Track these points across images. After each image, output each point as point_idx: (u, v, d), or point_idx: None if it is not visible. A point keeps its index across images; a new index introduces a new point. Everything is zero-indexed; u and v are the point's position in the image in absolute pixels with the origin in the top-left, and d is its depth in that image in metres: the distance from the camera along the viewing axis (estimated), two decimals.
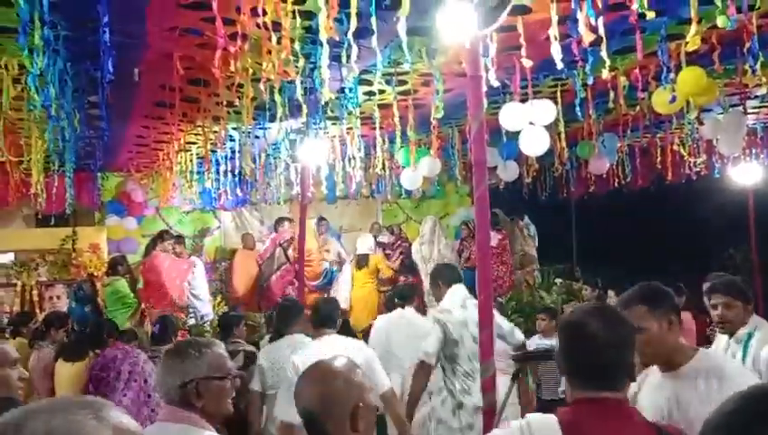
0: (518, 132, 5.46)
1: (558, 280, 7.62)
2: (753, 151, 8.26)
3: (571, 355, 1.69)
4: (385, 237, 9.63)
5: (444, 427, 3.97)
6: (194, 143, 6.97)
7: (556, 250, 9.79)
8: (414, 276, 8.87)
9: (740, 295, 3.25)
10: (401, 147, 6.13)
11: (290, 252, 8.62)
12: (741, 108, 6.08)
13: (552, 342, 4.40)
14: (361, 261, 9.01)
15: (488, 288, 3.16)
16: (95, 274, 8.42)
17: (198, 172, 7.85)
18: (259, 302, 8.65)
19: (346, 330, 5.63)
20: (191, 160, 7.30)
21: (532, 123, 5.09)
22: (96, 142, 7.03)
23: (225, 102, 5.00)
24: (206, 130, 5.72)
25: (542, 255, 9.37)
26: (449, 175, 9.18)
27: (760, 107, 6.72)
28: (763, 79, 4.39)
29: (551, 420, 1.63)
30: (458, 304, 4.17)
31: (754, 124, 7.78)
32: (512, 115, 4.95)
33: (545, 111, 4.78)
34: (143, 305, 7.59)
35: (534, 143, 4.87)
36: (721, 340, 3.39)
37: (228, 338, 5.20)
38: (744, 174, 8.32)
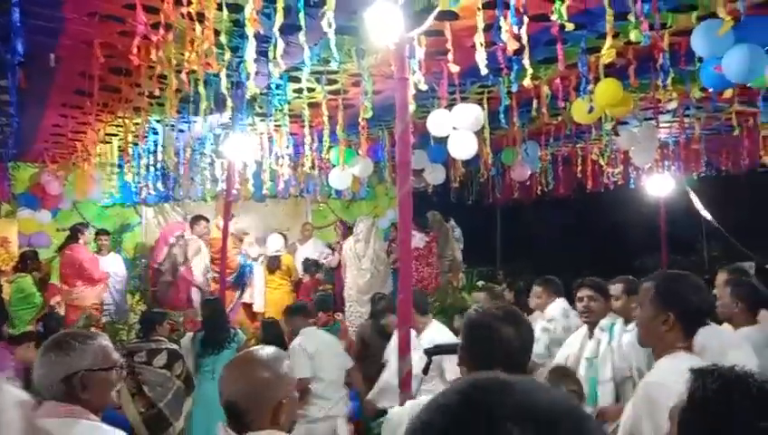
0: (446, 137, 5.56)
1: (480, 282, 7.79)
2: (666, 164, 8.70)
3: (474, 351, 1.76)
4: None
5: None
6: (114, 135, 6.72)
7: (481, 253, 10.01)
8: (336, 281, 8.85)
9: (602, 292, 3.79)
10: (330, 146, 6.11)
11: (185, 249, 8.25)
12: (654, 122, 6.42)
13: None
14: (272, 263, 8.84)
15: (408, 286, 3.20)
16: (2, 268, 7.97)
17: (119, 165, 7.58)
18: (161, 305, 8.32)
19: (275, 335, 5.57)
20: (111, 153, 7.04)
21: (456, 128, 5.17)
22: (7, 130, 6.68)
23: (147, 93, 4.84)
24: (127, 121, 5.52)
25: (467, 257, 9.56)
26: (379, 177, 9.24)
27: (672, 122, 7.09)
28: (674, 94, 4.63)
29: None
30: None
31: (667, 138, 8.20)
32: (440, 120, 5.03)
33: (473, 115, 4.88)
34: (53, 299, 7.25)
35: (462, 147, 4.97)
36: (581, 330, 3.91)
37: (150, 336, 5.05)
38: (656, 185, 8.77)
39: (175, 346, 4.76)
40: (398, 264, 3.42)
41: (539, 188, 9.21)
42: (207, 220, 8.56)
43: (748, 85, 4.47)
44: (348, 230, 9.17)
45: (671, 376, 1.98)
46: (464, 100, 5.56)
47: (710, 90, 5.17)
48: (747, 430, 1.17)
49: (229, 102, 4.20)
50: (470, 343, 1.77)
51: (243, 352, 1.72)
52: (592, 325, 3.79)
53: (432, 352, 2.21)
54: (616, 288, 3.83)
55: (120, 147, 6.97)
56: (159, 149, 6.61)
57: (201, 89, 4.09)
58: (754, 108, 5.99)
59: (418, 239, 8.31)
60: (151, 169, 6.98)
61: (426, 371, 2.12)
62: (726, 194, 8.74)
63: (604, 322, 3.77)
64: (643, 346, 2.28)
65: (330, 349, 4.92)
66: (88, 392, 1.88)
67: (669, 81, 4.49)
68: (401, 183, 3.29)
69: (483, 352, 1.73)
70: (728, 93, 4.61)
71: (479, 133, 5.61)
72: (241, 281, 8.76)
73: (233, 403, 1.60)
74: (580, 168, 8.60)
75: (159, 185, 7.44)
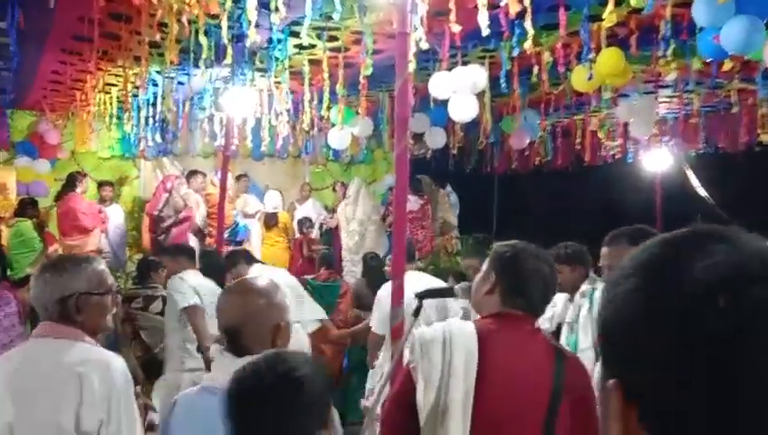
0: (447, 100, 5.56)
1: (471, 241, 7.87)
2: (664, 139, 8.71)
3: (512, 284, 1.91)
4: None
5: None
6: (114, 85, 6.69)
7: (477, 221, 10.06)
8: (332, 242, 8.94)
9: (568, 262, 3.76)
10: (329, 105, 6.10)
11: (184, 193, 8.26)
12: (654, 95, 6.42)
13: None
14: (270, 220, 8.91)
15: (402, 240, 3.25)
16: (1, 215, 8.01)
17: (118, 117, 7.56)
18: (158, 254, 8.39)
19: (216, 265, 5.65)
20: (110, 103, 7.01)
21: (456, 92, 5.18)
22: (6, 75, 6.64)
23: (147, 42, 4.82)
24: (126, 70, 5.50)
25: (463, 224, 9.62)
26: (378, 141, 9.24)
27: (672, 96, 7.09)
28: (673, 65, 4.64)
29: (469, 326, 1.86)
30: None
31: (666, 113, 8.19)
32: (441, 82, 5.03)
33: (475, 76, 4.88)
34: (51, 247, 7.30)
35: (463, 109, 4.98)
36: (560, 298, 3.88)
37: (146, 283, 5.12)
38: (654, 160, 8.81)
39: (167, 292, 4.83)
40: (393, 219, 3.46)
41: (537, 158, 9.23)
42: (204, 175, 8.59)
43: (746, 59, 4.48)
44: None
45: None
46: (465, 63, 5.55)
47: (710, 63, 5.20)
48: None
49: (230, 51, 4.19)
50: (508, 275, 1.92)
51: (238, 281, 1.79)
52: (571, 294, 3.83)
53: (424, 295, 2.27)
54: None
55: (118, 97, 6.95)
56: (159, 100, 6.59)
57: (202, 37, 4.08)
58: (754, 85, 5.99)
59: (413, 202, 8.38)
60: (150, 121, 6.96)
61: (416, 313, 2.19)
62: (723, 171, 8.77)
63: (584, 287, 3.80)
64: None
65: None
66: (82, 315, 1.94)
67: (670, 51, 4.49)
68: (398, 139, 3.32)
69: (520, 285, 1.89)
70: (727, 66, 4.61)
71: (480, 98, 5.61)
72: (234, 238, 8.82)
73: (231, 328, 1.68)
74: (578, 140, 8.62)
75: (158, 137, 7.42)
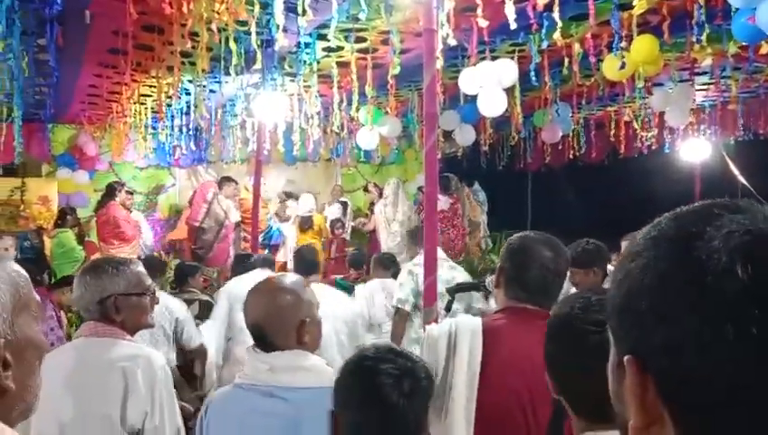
0: (476, 97, 5.53)
1: None
2: (701, 128, 8.52)
3: (512, 272, 1.86)
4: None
5: None
6: (148, 96, 6.84)
7: (512, 219, 9.98)
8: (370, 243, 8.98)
9: (580, 265, 3.49)
10: (359, 106, 6.13)
11: (224, 205, 8.35)
12: (690, 83, 6.28)
13: None
14: (305, 223, 9.01)
15: (434, 237, 3.24)
16: (44, 226, 8.25)
17: (153, 127, 7.72)
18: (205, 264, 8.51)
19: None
20: (145, 114, 7.16)
21: (482, 87, 5.15)
22: (47, 91, 6.84)
23: (179, 51, 4.92)
24: (160, 80, 5.61)
25: (498, 222, 9.55)
26: (408, 141, 9.24)
27: (708, 84, 6.92)
28: (709, 50, 4.53)
29: (476, 321, 1.83)
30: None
31: (703, 102, 8.01)
32: (471, 77, 5.01)
33: (506, 69, 4.85)
34: (92, 256, 7.48)
35: (492, 104, 4.95)
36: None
37: (183, 287, 5.21)
38: (691, 150, 8.62)
39: (207, 297, 4.91)
40: (424, 216, 3.46)
41: (571, 152, 9.11)
42: (236, 182, 8.71)
43: None
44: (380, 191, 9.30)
45: None
46: (494, 58, 5.51)
47: (747, 47, 5.07)
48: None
49: (259, 56, 4.24)
50: (509, 263, 1.87)
51: (265, 279, 1.81)
52: None
53: (454, 290, 2.26)
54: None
55: (153, 108, 7.10)
56: (192, 109, 6.71)
57: (232, 43, 4.14)
58: None
59: (443, 202, 8.35)
60: (184, 129, 7.09)
61: (448, 308, 2.18)
62: (764, 158, 8.53)
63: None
64: None
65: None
66: (121, 315, 2.01)
67: (704, 37, 4.38)
68: (427, 135, 3.32)
69: (518, 272, 1.83)
70: (765, 49, 4.48)
71: (510, 93, 5.56)
72: (268, 242, 8.92)
73: (256, 325, 1.71)
74: (613, 131, 8.48)
75: (192, 145, 7.54)
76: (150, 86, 6.43)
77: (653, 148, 8.88)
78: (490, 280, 2.16)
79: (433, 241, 3.26)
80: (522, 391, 1.71)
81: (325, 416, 1.35)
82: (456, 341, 1.78)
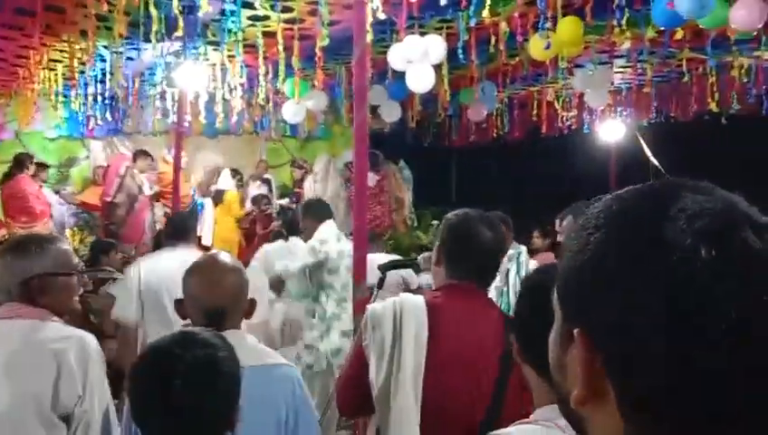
0: (404, 73, 5.51)
1: (435, 221, 7.91)
2: (618, 110, 8.87)
3: (454, 251, 1.88)
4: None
5: (311, 350, 4.11)
6: (59, 61, 6.42)
7: (436, 195, 10.11)
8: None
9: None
10: (285, 78, 5.99)
11: (138, 179, 8.05)
12: (609, 65, 6.50)
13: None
14: (216, 197, 8.84)
15: (364, 213, 3.23)
16: None
17: (65, 95, 7.27)
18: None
19: None
20: (56, 81, 6.73)
21: (411, 62, 5.14)
22: None
23: (94, 15, 4.63)
24: (72, 45, 5.28)
25: (423, 198, 9.65)
26: (335, 116, 9.14)
27: (625, 67, 7.18)
28: (628, 34, 4.69)
29: (419, 299, 1.85)
30: (334, 237, 4.26)
31: (620, 84, 8.32)
32: (400, 52, 4.98)
33: (435, 45, 4.86)
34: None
35: (421, 80, 4.95)
36: None
37: (97, 265, 4.97)
38: (608, 131, 8.97)
39: (122, 276, 4.71)
40: (353, 191, 3.43)
41: (495, 131, 9.28)
42: (151, 156, 8.39)
43: (700, 27, 4.56)
44: (300, 168, 9.20)
45: None
46: (423, 34, 5.50)
47: (663, 32, 5.28)
48: None
49: (180, 23, 4.05)
50: (450, 242, 1.88)
51: (209, 260, 1.76)
52: None
53: (386, 267, 2.25)
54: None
55: (65, 74, 6.68)
56: (108, 77, 6.35)
57: (152, 8, 3.93)
58: (704, 54, 6.12)
59: (370, 178, 8.34)
60: (99, 98, 6.71)
61: (380, 285, 2.18)
62: (674, 140, 8.97)
63: (510, 252, 3.93)
64: None
65: None
66: (47, 297, 1.88)
67: (624, 21, 4.53)
68: (357, 109, 3.28)
69: (461, 251, 1.81)
70: (679, 35, 4.69)
71: (437, 70, 5.58)
72: (194, 215, 8.68)
73: (219, 307, 1.65)
74: (535, 111, 8.69)
75: (108, 115, 7.16)
76: (61, 51, 6.04)
77: (573, 128, 9.18)
78: (421, 257, 2.16)
79: (362, 217, 3.24)
80: (467, 364, 1.75)
81: (265, 395, 1.32)
82: (401, 319, 1.77)
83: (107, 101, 6.87)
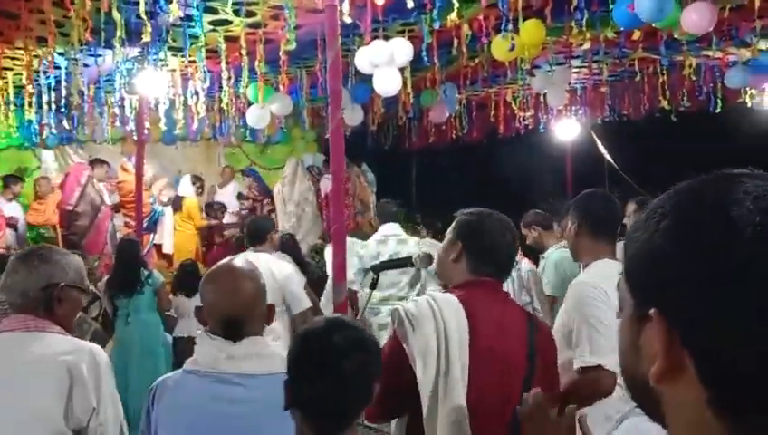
0: (366, 77, 5.53)
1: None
2: (573, 109, 9.08)
3: (479, 248, 1.93)
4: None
5: None
6: (10, 69, 6.20)
7: (397, 197, 10.13)
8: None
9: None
10: (249, 82, 5.93)
11: (98, 188, 7.88)
12: (567, 66, 6.66)
13: None
14: (174, 204, 8.72)
15: (341, 218, 3.23)
16: None
17: (16, 104, 7.03)
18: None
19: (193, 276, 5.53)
20: (6, 89, 6.50)
21: (378, 65, 5.17)
22: None
23: (53, 21, 4.49)
24: (29, 52, 5.11)
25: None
26: (296, 120, 9.08)
27: (581, 67, 7.37)
28: (587, 35, 4.83)
29: (452, 297, 1.86)
30: (377, 239, 4.84)
31: (575, 83, 8.53)
32: (367, 55, 5.00)
33: (401, 48, 4.90)
34: None
35: (388, 83, 4.99)
36: None
37: None
38: (564, 130, 9.18)
39: (91, 288, 4.58)
40: (330, 196, 3.44)
41: (454, 132, 9.39)
42: (108, 164, 8.20)
43: (655, 27, 4.73)
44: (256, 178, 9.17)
45: (594, 277, 2.24)
46: (386, 38, 5.53)
47: (620, 34, 5.46)
48: None
49: (148, 28, 3.97)
50: (473, 240, 1.94)
51: (224, 267, 1.72)
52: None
53: (378, 268, 2.26)
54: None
55: (15, 82, 6.45)
56: (63, 85, 6.16)
57: (116, 13, 3.85)
58: (657, 54, 6.33)
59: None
60: (53, 106, 6.50)
61: (374, 286, 2.18)
62: (627, 138, 9.25)
63: None
64: (575, 260, 2.51)
65: None
66: (62, 307, 1.86)
67: (584, 22, 4.66)
68: (333, 113, 3.29)
69: (486, 248, 1.90)
70: (637, 35, 4.85)
71: (401, 73, 5.61)
72: (152, 225, 8.51)
73: (235, 315, 1.64)
74: (493, 112, 8.83)
75: (66, 124, 6.95)
76: (12, 58, 5.84)
77: (529, 127, 9.36)
78: (417, 256, 2.18)
79: (340, 219, 3.25)
80: (500, 362, 1.79)
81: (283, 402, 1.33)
82: (443, 320, 1.79)
83: (62, 110, 6.66)
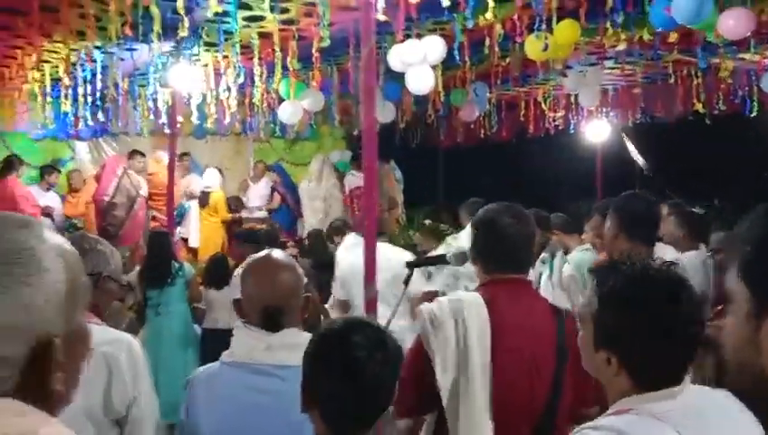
0: (398, 75, 5.54)
1: (426, 221, 7.95)
2: (604, 110, 8.98)
3: (488, 245, 1.92)
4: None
5: None
6: (48, 62, 6.33)
7: (424, 195, 10.17)
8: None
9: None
10: (281, 78, 5.98)
11: (134, 180, 8.01)
12: (599, 66, 6.60)
13: None
14: (202, 199, 8.79)
15: (373, 215, 3.24)
16: None
17: (53, 96, 7.17)
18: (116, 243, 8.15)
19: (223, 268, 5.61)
20: (44, 81, 6.63)
21: (411, 64, 5.17)
22: None
23: (92, 15, 4.58)
24: (68, 45, 5.21)
25: (411, 198, 9.69)
26: (325, 116, 9.13)
27: (614, 68, 7.29)
28: (622, 36, 4.78)
29: (476, 296, 1.86)
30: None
31: (606, 84, 8.44)
32: (402, 53, 5.01)
33: (434, 47, 4.90)
34: None
35: (421, 81, 4.99)
36: None
37: None
38: (594, 131, 9.09)
39: (126, 278, 4.68)
40: (362, 190, 3.45)
41: (482, 131, 9.35)
42: (144, 155, 8.33)
43: (691, 29, 4.66)
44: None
45: None
46: (418, 36, 5.54)
47: (655, 36, 5.39)
48: (658, 316, 1.22)
49: (185, 23, 4.03)
50: (478, 239, 1.92)
51: (263, 259, 1.74)
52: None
53: (414, 264, 2.28)
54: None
55: (52, 74, 6.59)
56: (98, 78, 6.28)
57: (154, 8, 3.91)
58: (693, 57, 6.24)
59: (360, 178, 8.36)
60: (88, 99, 6.62)
61: (407, 283, 2.20)
62: (658, 140, 9.13)
63: (544, 254, 3.95)
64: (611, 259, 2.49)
65: None
66: (101, 298, 1.89)
67: (620, 22, 4.62)
68: (366, 110, 3.29)
69: (489, 244, 1.83)
70: (673, 37, 4.78)
71: (433, 71, 5.61)
72: (179, 219, 8.63)
73: (274, 306, 1.66)
74: (523, 112, 8.77)
75: (100, 116, 7.07)
76: (50, 51, 5.96)
77: (559, 128, 9.29)
78: (452, 254, 2.19)
79: (372, 216, 3.25)
80: (528, 357, 1.78)
81: None
82: (464, 319, 1.78)
83: (97, 102, 6.78)
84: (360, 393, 1.32)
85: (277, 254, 1.78)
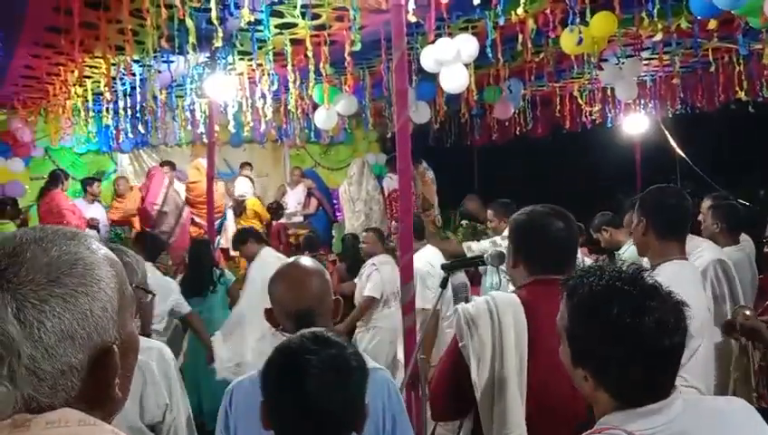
0: (431, 75, 5.52)
1: (464, 221, 7.90)
2: (642, 102, 8.80)
3: (538, 249, 1.88)
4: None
5: None
6: (89, 77, 6.51)
7: (460, 195, 10.09)
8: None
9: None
10: (315, 84, 6.03)
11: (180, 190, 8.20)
12: (637, 57, 6.46)
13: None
14: (236, 208, 8.86)
15: (409, 215, 3.24)
16: None
17: (95, 110, 7.37)
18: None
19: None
20: (85, 96, 6.83)
21: (444, 63, 5.15)
22: None
23: (130, 30, 4.70)
24: (108, 60, 5.36)
25: (448, 198, 9.64)
26: (358, 120, 9.18)
27: (651, 58, 7.14)
28: (659, 26, 4.67)
29: (513, 296, 1.83)
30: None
31: (644, 76, 8.27)
32: (434, 53, 5.00)
33: (467, 45, 4.88)
34: None
35: (455, 80, 4.97)
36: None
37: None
38: (633, 124, 8.91)
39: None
40: (399, 193, 3.46)
41: (518, 128, 9.25)
42: (174, 166, 8.50)
43: (732, 14, 4.53)
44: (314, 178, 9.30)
45: (665, 282, 2.14)
46: (450, 35, 5.52)
47: (694, 24, 5.25)
48: (623, 330, 1.18)
49: (220, 33, 4.10)
50: (521, 240, 1.90)
51: (290, 265, 1.77)
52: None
53: (449, 267, 2.26)
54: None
55: (94, 90, 6.77)
56: (137, 91, 6.43)
57: (189, 20, 3.98)
58: (733, 43, 6.06)
59: (395, 180, 8.36)
60: (128, 112, 6.79)
61: (444, 285, 2.18)
62: (700, 130, 8.90)
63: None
64: (641, 256, 2.42)
65: None
66: None
67: (655, 12, 4.51)
68: (399, 112, 3.30)
69: (534, 246, 1.82)
70: (712, 24, 4.66)
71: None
72: (218, 228, 8.77)
73: (308, 310, 1.67)
74: (558, 107, 8.65)
75: (141, 128, 7.25)
76: (91, 66, 6.12)
77: (596, 122, 9.13)
78: (488, 255, 2.17)
79: (408, 218, 3.26)
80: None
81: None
82: (499, 321, 1.76)
83: (137, 115, 6.95)
84: (310, 415, 1.25)
85: (304, 260, 1.81)
